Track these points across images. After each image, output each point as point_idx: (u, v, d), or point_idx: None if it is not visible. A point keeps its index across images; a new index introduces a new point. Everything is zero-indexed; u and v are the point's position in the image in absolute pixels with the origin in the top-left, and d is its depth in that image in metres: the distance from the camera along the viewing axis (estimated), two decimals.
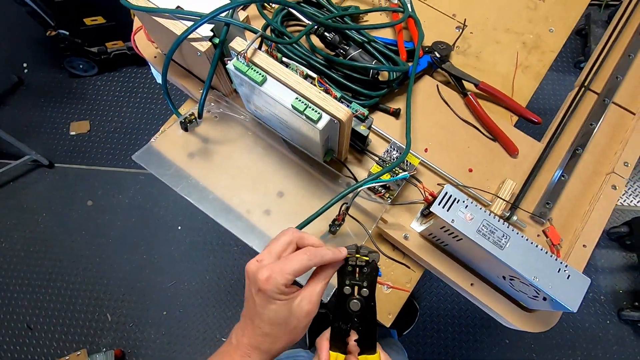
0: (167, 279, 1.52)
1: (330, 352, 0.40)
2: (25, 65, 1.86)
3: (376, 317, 0.41)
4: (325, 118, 0.47)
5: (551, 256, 0.45)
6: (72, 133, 1.75)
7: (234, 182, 0.60)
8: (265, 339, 0.35)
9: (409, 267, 0.55)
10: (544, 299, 0.46)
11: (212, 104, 0.63)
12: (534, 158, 0.60)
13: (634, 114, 0.63)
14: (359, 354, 0.40)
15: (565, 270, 0.44)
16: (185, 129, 0.58)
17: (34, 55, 1.88)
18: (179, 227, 1.58)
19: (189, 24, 0.51)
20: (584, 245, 0.54)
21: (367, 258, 0.40)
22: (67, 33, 1.57)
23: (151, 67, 0.72)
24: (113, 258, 1.55)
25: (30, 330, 1.46)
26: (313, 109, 0.47)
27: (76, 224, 1.60)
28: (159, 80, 0.71)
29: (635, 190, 1.61)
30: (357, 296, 0.40)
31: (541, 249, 0.45)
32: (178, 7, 0.54)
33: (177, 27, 0.52)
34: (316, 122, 0.47)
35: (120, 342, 1.44)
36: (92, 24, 1.58)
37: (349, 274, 0.40)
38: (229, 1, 0.53)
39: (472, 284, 0.53)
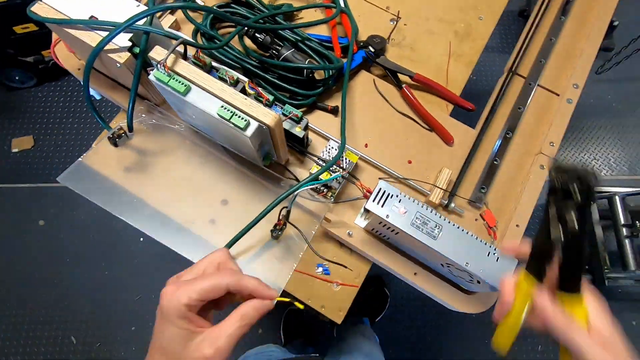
0: (133, 293, 1.47)
1: (524, 272, 0.34)
2: None
3: (585, 252, 0.32)
4: (254, 124, 0.46)
5: (481, 241, 0.47)
6: (15, 150, 1.64)
7: (174, 194, 0.59)
8: None
9: (347, 268, 0.56)
10: (478, 282, 0.48)
11: (144, 115, 0.60)
12: (468, 145, 0.62)
13: (558, 95, 0.66)
14: (559, 289, 0.33)
15: (494, 254, 0.46)
16: (115, 144, 0.55)
17: None
18: (141, 239, 1.53)
19: (105, 34, 0.49)
20: (517, 225, 0.57)
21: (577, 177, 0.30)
22: None
23: None
24: (72, 278, 1.48)
25: None
26: (239, 117, 0.46)
27: (28, 247, 1.51)
28: (94, 93, 0.67)
29: (580, 159, 1.71)
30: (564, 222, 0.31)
31: (472, 235, 0.47)
32: (92, 17, 0.51)
33: (92, 38, 0.50)
34: (244, 129, 0.46)
35: None
36: (24, 32, 1.47)
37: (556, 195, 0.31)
38: (146, 8, 0.51)
39: (415, 274, 0.55)
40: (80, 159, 0.56)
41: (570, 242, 0.31)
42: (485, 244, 0.47)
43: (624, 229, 1.37)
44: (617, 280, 1.38)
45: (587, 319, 0.33)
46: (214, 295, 0.31)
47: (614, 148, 1.73)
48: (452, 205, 0.58)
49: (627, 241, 1.35)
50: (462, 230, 0.47)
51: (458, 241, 0.46)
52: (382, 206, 0.47)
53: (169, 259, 1.51)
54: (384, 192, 0.48)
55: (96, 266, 1.49)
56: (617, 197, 1.42)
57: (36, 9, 0.51)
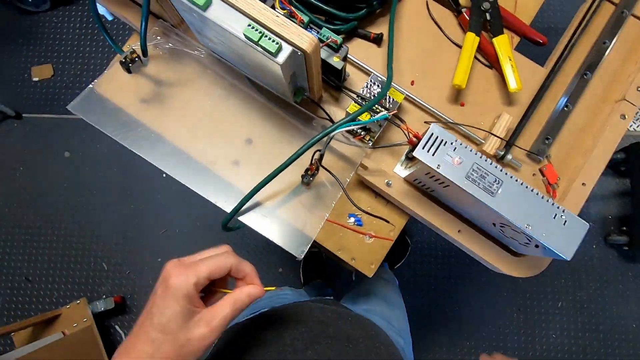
0: (158, 227, 1.50)
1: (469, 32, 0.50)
2: None
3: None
4: (287, 49, 0.39)
5: (547, 201, 0.40)
6: (35, 79, 1.60)
7: (194, 130, 0.53)
8: (147, 348, 0.29)
9: (388, 222, 0.51)
10: (536, 246, 0.42)
11: (159, 37, 0.53)
12: (534, 87, 0.53)
13: None
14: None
15: (562, 216, 0.40)
16: (128, 70, 0.49)
17: None
18: (164, 175, 1.52)
19: None
20: (583, 184, 0.49)
21: None
22: None
23: None
24: (100, 209, 1.52)
25: (29, 283, 1.48)
26: (270, 39, 0.38)
27: (56, 176, 1.54)
28: (105, 13, 0.60)
29: (635, 114, 1.54)
30: None
31: (537, 194, 0.40)
32: None
33: None
34: (275, 54, 0.38)
35: (120, 289, 1.47)
36: None
37: None
38: None
39: (459, 231, 0.49)
40: (91, 85, 0.50)
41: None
42: (553, 204, 0.40)
43: None
44: None
45: (510, 50, 0.51)
46: (219, 275, 0.32)
47: None
48: (509, 156, 0.50)
49: None
50: (526, 187, 0.40)
51: (520, 200, 0.40)
52: (433, 155, 0.40)
53: (191, 195, 1.51)
54: (437, 137, 0.41)
55: (122, 199, 1.52)
56: None
57: None
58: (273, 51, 0.38)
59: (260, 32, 0.38)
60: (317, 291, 1.34)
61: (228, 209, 0.48)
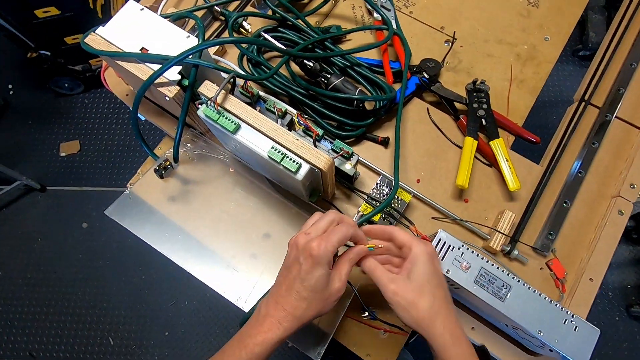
0: (167, 298, 1.50)
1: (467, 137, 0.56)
2: (10, 87, 1.82)
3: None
4: (305, 167, 0.44)
5: (556, 305, 0.42)
6: (63, 154, 1.71)
7: (217, 226, 0.57)
8: (301, 304, 0.37)
9: (402, 330, 0.52)
10: (550, 350, 0.42)
11: (189, 144, 0.59)
12: (533, 184, 0.57)
13: (639, 128, 0.59)
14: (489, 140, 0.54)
15: (572, 322, 0.41)
16: (161, 177, 0.54)
17: (18, 77, 1.84)
18: None
19: (156, 66, 0.47)
20: (590, 279, 0.51)
21: None
22: (49, 53, 1.53)
23: None
24: (111, 280, 1.53)
25: (33, 358, 1.44)
26: (291, 159, 0.43)
27: (72, 247, 1.58)
28: (140, 115, 0.67)
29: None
30: None
31: (545, 298, 0.42)
32: (142, 49, 0.50)
33: (142, 71, 0.49)
34: (295, 172, 0.43)
35: None
36: (74, 43, 1.53)
37: None
38: (197, 42, 0.49)
39: (472, 328, 0.50)
40: (127, 190, 0.55)
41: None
42: (562, 309, 0.41)
43: None
44: None
45: (506, 151, 0.56)
46: (344, 243, 0.39)
47: None
48: (515, 252, 0.52)
49: None
50: (534, 291, 0.42)
51: (529, 304, 0.41)
52: (441, 259, 0.43)
53: None
54: (444, 243, 0.44)
55: (134, 270, 1.53)
56: None
57: (89, 40, 0.51)
58: (293, 170, 0.43)
59: (282, 154, 0.43)
60: None
61: (246, 308, 0.50)
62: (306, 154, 0.43)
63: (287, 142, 0.44)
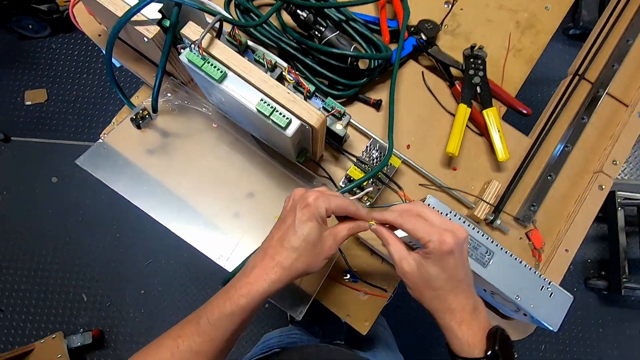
0: (143, 257, 1.47)
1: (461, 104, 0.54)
2: None
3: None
4: (295, 123, 0.41)
5: (535, 272, 0.43)
6: (28, 103, 1.59)
7: (198, 183, 0.55)
8: (292, 254, 0.36)
9: (385, 290, 0.53)
10: (524, 314, 0.44)
11: (169, 94, 0.55)
12: (520, 155, 0.57)
13: (627, 106, 0.59)
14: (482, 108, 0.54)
15: (548, 288, 0.42)
16: (138, 127, 0.51)
17: None
18: None
19: (133, 2, 0.43)
20: (566, 250, 0.52)
21: None
22: None
23: None
24: (84, 237, 1.48)
25: (1, 314, 1.41)
26: (281, 114, 0.41)
27: (41, 202, 1.51)
28: (115, 61, 0.62)
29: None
30: None
31: (525, 265, 0.43)
32: None
33: (118, 6, 0.44)
34: (284, 128, 0.41)
35: (98, 322, 1.42)
36: None
37: None
38: None
39: None
40: (100, 139, 0.51)
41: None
42: (540, 276, 0.43)
43: None
44: (634, 291, 1.35)
45: (499, 122, 0.55)
46: (340, 214, 0.40)
47: None
48: (498, 222, 0.53)
49: None
50: (515, 258, 0.43)
51: (510, 271, 0.42)
52: None
53: None
54: (433, 208, 0.44)
55: (108, 228, 1.49)
56: None
57: None
58: (283, 125, 0.40)
59: (272, 107, 0.40)
60: (305, 328, 1.32)
61: (228, 266, 0.49)
62: (297, 108, 0.41)
63: (277, 95, 0.41)
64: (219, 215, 0.54)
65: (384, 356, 0.69)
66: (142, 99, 0.58)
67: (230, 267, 0.49)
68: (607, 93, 0.59)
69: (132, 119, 0.50)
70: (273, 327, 1.43)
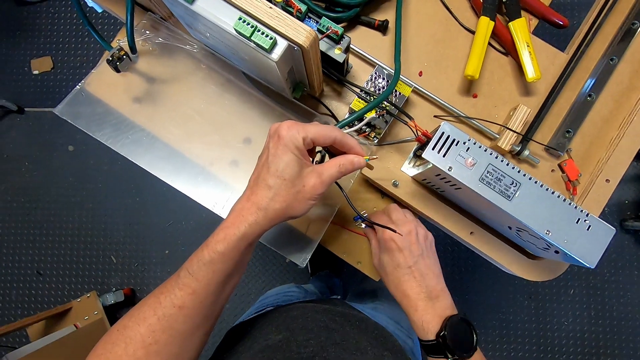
0: (164, 219, 1.50)
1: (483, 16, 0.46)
2: None
3: None
4: (282, 44, 0.35)
5: (570, 204, 0.37)
6: (35, 72, 1.58)
7: (189, 129, 0.50)
8: (267, 193, 0.33)
9: (395, 232, 0.48)
10: (556, 252, 0.39)
11: (148, 32, 0.49)
12: (554, 75, 0.48)
13: None
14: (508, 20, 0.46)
15: (585, 221, 0.36)
16: (116, 69, 0.46)
17: None
18: None
19: None
20: (607, 180, 0.46)
21: None
22: None
23: None
24: (106, 203, 1.51)
25: (41, 276, 1.50)
26: (264, 33, 0.34)
27: (61, 170, 1.53)
28: (95, 5, 0.56)
29: None
30: None
31: (559, 196, 0.37)
32: None
33: None
34: (269, 50, 0.35)
35: (129, 282, 1.49)
36: None
37: None
38: None
39: (471, 233, 0.46)
40: (78, 86, 0.47)
41: None
42: (576, 207, 0.37)
43: None
44: None
45: (528, 36, 0.47)
46: (323, 142, 0.34)
47: None
48: (526, 152, 0.46)
49: None
50: (547, 189, 0.37)
51: (539, 203, 0.37)
52: (444, 156, 0.37)
53: None
54: (448, 137, 0.38)
55: (127, 192, 1.51)
56: None
57: None
58: (267, 47, 0.35)
59: (252, 27, 0.34)
60: (325, 282, 1.33)
61: (223, 214, 0.46)
62: (282, 26, 0.34)
63: (258, 12, 0.35)
64: (214, 164, 0.50)
65: (387, 307, 0.67)
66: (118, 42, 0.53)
67: (225, 215, 0.46)
68: None
69: (108, 61, 0.45)
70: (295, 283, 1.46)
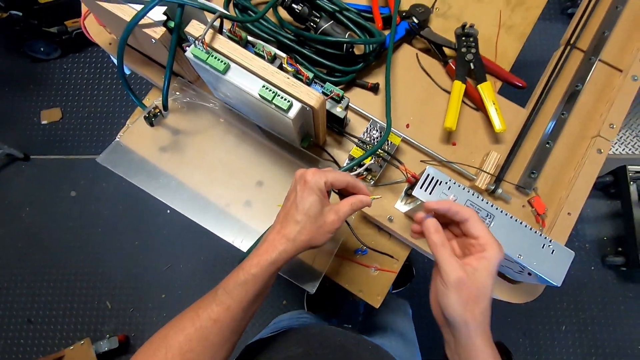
0: (162, 262, 1.52)
1: (456, 80, 0.57)
2: None
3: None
4: (297, 106, 0.44)
5: (535, 232, 0.44)
6: (44, 122, 1.67)
7: (210, 175, 0.58)
8: (295, 227, 0.39)
9: (392, 257, 0.55)
10: (529, 274, 0.45)
11: (178, 93, 0.58)
12: (518, 126, 0.58)
13: (621, 71, 0.60)
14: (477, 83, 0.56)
15: (549, 246, 0.44)
16: (151, 124, 0.54)
17: None
18: (168, 211, 1.56)
19: (139, 7, 0.46)
20: (568, 213, 0.54)
21: None
22: (20, 14, 1.45)
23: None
24: (105, 247, 1.54)
25: (31, 324, 1.47)
26: (282, 97, 0.43)
27: (62, 216, 1.57)
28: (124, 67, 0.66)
29: (620, 138, 1.61)
30: None
31: (525, 226, 0.44)
32: None
33: (125, 11, 0.47)
34: (286, 111, 0.44)
35: (123, 328, 1.47)
36: (47, 2, 1.45)
37: None
38: None
39: None
40: (117, 138, 0.55)
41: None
42: (540, 235, 0.44)
43: None
44: None
45: (493, 95, 0.57)
46: (339, 185, 0.42)
47: None
48: (499, 191, 0.55)
49: None
50: (516, 220, 0.44)
51: (511, 232, 0.44)
52: (430, 194, 0.45)
53: (195, 230, 1.54)
54: (432, 178, 0.46)
55: (127, 236, 1.54)
56: None
57: None
58: (285, 108, 0.43)
59: (273, 92, 0.43)
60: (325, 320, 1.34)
61: (244, 247, 0.52)
62: (297, 92, 0.44)
63: (278, 81, 0.44)
64: (231, 205, 0.57)
65: (395, 345, 0.70)
66: (152, 100, 0.62)
67: (244, 248, 0.52)
68: (599, 60, 0.60)
69: (145, 117, 0.53)
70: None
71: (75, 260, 1.53)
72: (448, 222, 0.40)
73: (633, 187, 1.40)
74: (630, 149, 1.60)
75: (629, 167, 1.41)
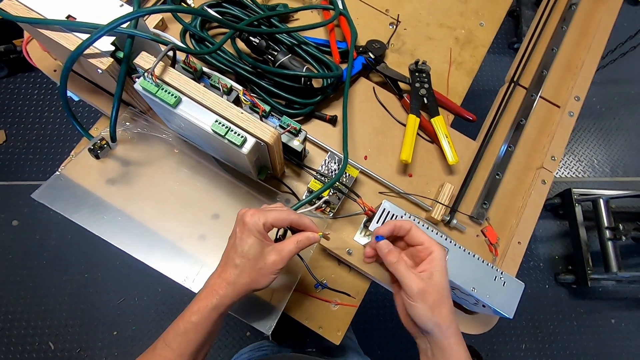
0: (115, 296, 1.41)
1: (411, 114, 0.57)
2: None
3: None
4: (251, 141, 0.43)
5: (487, 264, 0.45)
6: None
7: (162, 208, 0.55)
8: (234, 271, 0.38)
9: (349, 296, 0.54)
10: (483, 306, 0.46)
11: (128, 123, 0.56)
12: (470, 158, 0.61)
13: (558, 107, 0.65)
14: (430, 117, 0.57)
15: (500, 278, 0.45)
16: (97, 157, 0.51)
17: None
18: None
19: (85, 36, 0.44)
20: (518, 242, 0.56)
21: None
22: None
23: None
24: (49, 281, 1.41)
25: None
26: (236, 133, 0.42)
27: (1, 247, 1.43)
28: (72, 95, 0.62)
29: (564, 163, 1.74)
30: None
31: (478, 258, 0.45)
32: (69, 16, 0.46)
33: (70, 40, 0.45)
34: (240, 146, 0.42)
35: None
36: None
37: None
38: (132, 9, 0.46)
39: None
40: (57, 172, 0.51)
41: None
42: (492, 267, 0.45)
43: (607, 232, 1.40)
44: (599, 281, 1.41)
45: (446, 129, 0.59)
46: (282, 224, 0.41)
47: (597, 150, 1.76)
48: (454, 221, 0.56)
49: (609, 243, 1.39)
50: (469, 253, 0.45)
51: (464, 265, 0.45)
52: None
53: None
54: (388, 212, 0.46)
55: (75, 268, 1.43)
56: (601, 200, 1.45)
57: (5, 5, 0.46)
58: (238, 143, 0.42)
59: (226, 127, 0.42)
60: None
61: (194, 287, 0.49)
62: (251, 127, 0.43)
63: (231, 116, 0.43)
64: (184, 239, 0.54)
65: None
66: (101, 130, 0.59)
67: (196, 289, 0.49)
68: (540, 96, 0.65)
69: (90, 150, 0.50)
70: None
71: (14, 297, 1.39)
72: (393, 240, 0.43)
73: (578, 209, 1.50)
74: (574, 173, 1.72)
75: (573, 189, 1.51)
